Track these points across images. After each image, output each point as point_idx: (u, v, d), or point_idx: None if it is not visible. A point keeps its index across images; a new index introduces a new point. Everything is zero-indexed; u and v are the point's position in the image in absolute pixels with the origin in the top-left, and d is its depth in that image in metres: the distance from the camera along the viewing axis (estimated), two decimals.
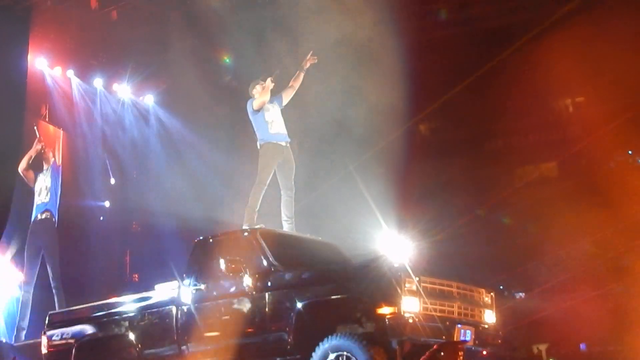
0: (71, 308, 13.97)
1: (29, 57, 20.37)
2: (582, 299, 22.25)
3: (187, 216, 21.44)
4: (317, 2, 20.71)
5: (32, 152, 17.28)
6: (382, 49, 22.77)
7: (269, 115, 13.18)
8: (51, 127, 21.93)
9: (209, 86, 22.68)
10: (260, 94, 13.16)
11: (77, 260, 21.94)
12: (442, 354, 9.84)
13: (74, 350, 12.36)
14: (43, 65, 21.24)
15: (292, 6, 21.02)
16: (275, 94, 13.46)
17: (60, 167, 18.09)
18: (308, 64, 13.68)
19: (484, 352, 11.36)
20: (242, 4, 21.34)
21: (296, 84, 13.67)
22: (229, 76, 23.50)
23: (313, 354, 9.97)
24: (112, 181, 24.09)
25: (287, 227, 12.77)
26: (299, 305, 10.25)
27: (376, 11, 21.81)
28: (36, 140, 17.34)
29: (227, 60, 23.57)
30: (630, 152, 25.93)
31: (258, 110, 13.11)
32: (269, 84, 13.11)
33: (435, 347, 9.93)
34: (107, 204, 24.12)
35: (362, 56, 22.25)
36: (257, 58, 22.04)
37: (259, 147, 13.11)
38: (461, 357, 10.37)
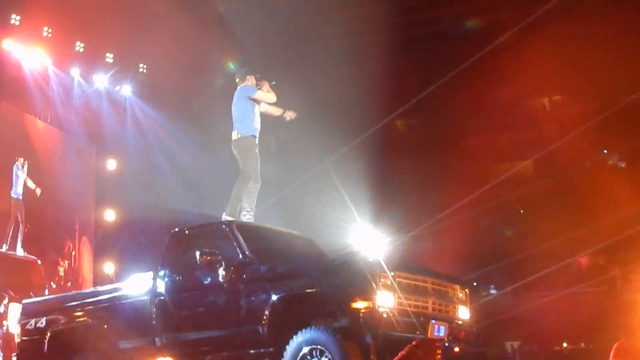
0: (45, 297, 13.91)
1: (5, 43, 20.32)
2: (556, 297, 22.41)
3: (165, 207, 21.42)
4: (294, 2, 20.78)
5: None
6: (360, 46, 22.82)
7: (258, 109, 13.12)
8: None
9: (188, 77, 22.64)
10: (269, 91, 13.07)
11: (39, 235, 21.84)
12: (420, 350, 9.85)
13: (47, 339, 12.27)
14: (20, 53, 21.15)
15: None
16: None
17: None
18: (287, 117, 13.46)
19: (456, 349, 11.39)
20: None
21: (272, 112, 13.51)
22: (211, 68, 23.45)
23: (287, 347, 9.96)
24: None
25: (247, 219, 12.70)
26: (274, 298, 10.23)
27: (353, 7, 21.85)
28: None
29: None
30: (605, 151, 26.12)
31: (253, 100, 13.04)
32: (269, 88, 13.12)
33: (413, 343, 9.95)
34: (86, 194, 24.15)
35: (339, 52, 22.29)
36: (241, 51, 22.07)
37: (237, 136, 12.92)
38: (439, 355, 10.40)
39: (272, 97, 13.10)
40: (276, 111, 13.37)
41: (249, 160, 12.87)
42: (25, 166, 20.99)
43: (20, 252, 20.54)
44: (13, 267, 19.21)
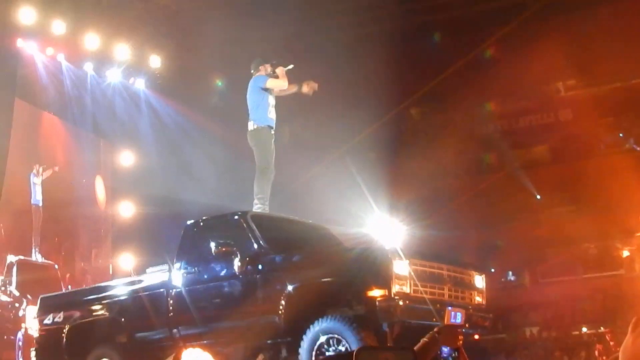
0: (63, 292, 13.96)
1: (19, 41, 20.35)
2: (574, 282, 22.32)
3: (180, 200, 21.42)
4: None
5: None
6: (374, 34, 22.72)
7: (272, 98, 13.07)
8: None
9: (202, 69, 22.61)
10: (281, 77, 12.96)
11: (68, 245, 22.07)
12: (442, 336, 9.81)
13: (65, 333, 12.32)
14: (33, 49, 21.18)
15: None
16: None
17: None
18: (309, 89, 13.27)
19: (476, 337, 11.34)
20: None
21: (289, 91, 13.35)
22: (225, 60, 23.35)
23: (304, 336, 9.96)
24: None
25: (257, 208, 12.61)
26: (290, 288, 10.21)
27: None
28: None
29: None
30: (621, 135, 25.98)
31: (266, 90, 13.01)
32: (283, 73, 13.04)
33: (435, 329, 9.91)
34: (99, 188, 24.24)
35: (352, 41, 22.22)
36: (256, 42, 22.01)
37: (253, 127, 12.87)
38: (461, 340, 10.36)
39: (283, 84, 12.97)
40: (291, 89, 13.23)
41: (264, 151, 12.82)
42: (41, 171, 21.19)
43: (38, 257, 20.86)
44: (31, 272, 19.51)
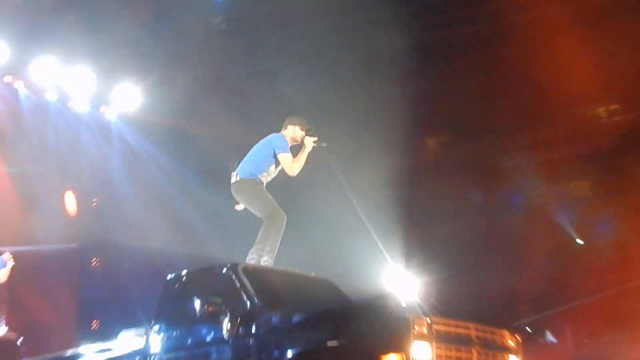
0: None
1: None
2: (624, 342, 22.09)
3: (161, 251, 21.37)
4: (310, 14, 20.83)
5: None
6: (387, 60, 22.81)
7: (275, 168, 13.01)
8: None
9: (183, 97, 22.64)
10: (299, 157, 12.94)
11: (29, 306, 22.05)
12: None
13: None
14: None
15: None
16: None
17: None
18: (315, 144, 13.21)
19: None
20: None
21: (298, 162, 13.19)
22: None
23: None
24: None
25: (252, 259, 12.51)
26: (290, 353, 10.08)
27: (382, 18, 21.90)
28: None
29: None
30: None
31: (274, 157, 12.86)
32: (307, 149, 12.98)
33: None
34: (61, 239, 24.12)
35: (366, 69, 22.31)
36: (241, 61, 22.07)
37: (236, 179, 12.80)
38: None
39: (294, 171, 12.92)
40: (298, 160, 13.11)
41: (258, 199, 12.77)
42: (9, 262, 21.43)
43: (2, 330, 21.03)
44: None
